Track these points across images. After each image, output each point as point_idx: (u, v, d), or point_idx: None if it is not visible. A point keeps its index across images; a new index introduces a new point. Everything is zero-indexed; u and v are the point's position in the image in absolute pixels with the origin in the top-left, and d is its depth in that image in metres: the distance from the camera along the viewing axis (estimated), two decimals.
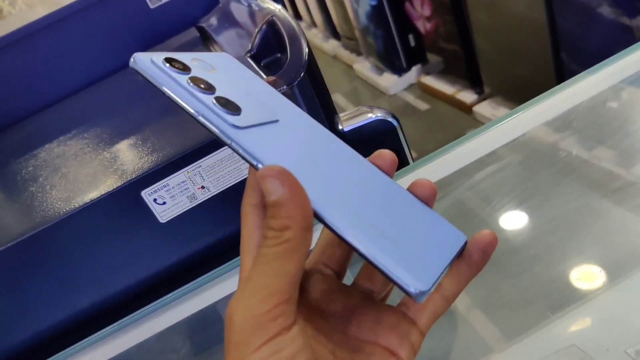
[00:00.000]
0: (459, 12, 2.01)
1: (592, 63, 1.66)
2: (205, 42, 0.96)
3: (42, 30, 0.98)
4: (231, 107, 0.27)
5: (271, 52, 0.70)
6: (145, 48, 1.03)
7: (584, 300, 0.46)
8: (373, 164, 0.30)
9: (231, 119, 0.26)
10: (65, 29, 0.99)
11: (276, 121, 0.29)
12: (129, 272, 0.63)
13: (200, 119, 0.26)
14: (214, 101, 0.26)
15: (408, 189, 0.29)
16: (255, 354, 0.23)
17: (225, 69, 0.30)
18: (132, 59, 0.27)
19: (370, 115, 0.63)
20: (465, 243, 0.28)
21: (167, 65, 0.27)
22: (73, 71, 1.03)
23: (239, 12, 0.91)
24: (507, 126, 0.64)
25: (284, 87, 0.57)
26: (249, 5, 0.86)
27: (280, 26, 0.66)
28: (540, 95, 0.67)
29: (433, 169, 0.60)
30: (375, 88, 2.63)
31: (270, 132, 0.28)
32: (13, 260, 0.58)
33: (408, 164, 0.64)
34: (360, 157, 0.30)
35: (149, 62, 0.27)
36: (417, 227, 0.27)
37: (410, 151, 0.66)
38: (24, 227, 0.59)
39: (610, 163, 0.58)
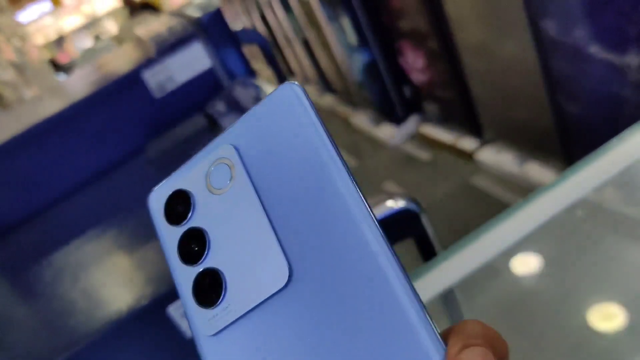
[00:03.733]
0: (452, 60, 2.04)
1: (588, 103, 1.68)
2: (212, 128, 0.97)
3: (52, 127, 0.99)
4: (209, 294, 0.21)
5: None
6: (154, 136, 1.03)
7: None
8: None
9: (202, 320, 0.21)
10: (75, 124, 1.00)
11: (283, 288, 0.21)
12: None
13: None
14: (193, 285, 0.22)
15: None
16: None
17: (250, 167, 0.23)
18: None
19: (391, 204, 0.63)
20: None
21: (164, 214, 0.23)
22: (82, 165, 1.03)
23: (246, 97, 0.92)
24: (555, 193, 0.61)
25: None
26: (256, 91, 0.87)
27: None
28: (589, 156, 0.65)
29: (466, 259, 0.58)
30: (374, 140, 2.65)
31: (251, 329, 0.21)
32: None
33: (434, 251, 0.63)
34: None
35: (154, 203, 0.24)
36: None
37: (435, 236, 0.65)
38: (51, 350, 0.57)
39: None
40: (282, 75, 1.35)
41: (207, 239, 0.22)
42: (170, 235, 0.23)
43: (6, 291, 0.76)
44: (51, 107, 1.06)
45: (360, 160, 2.62)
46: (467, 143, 2.20)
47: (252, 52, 3.16)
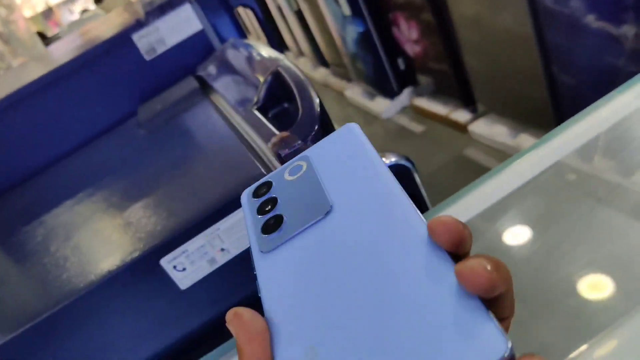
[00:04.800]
0: (446, 32, 2.02)
1: (583, 74, 1.67)
2: (204, 90, 0.95)
3: (40, 90, 0.97)
4: (272, 227, 0.29)
5: (278, 102, 0.69)
6: (144, 100, 1.02)
7: (614, 328, 0.45)
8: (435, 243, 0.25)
9: (261, 242, 0.29)
10: (62, 88, 0.98)
11: (324, 216, 0.28)
12: (151, 341, 0.61)
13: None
14: (261, 224, 0.30)
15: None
16: None
17: (326, 154, 0.32)
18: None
19: (383, 159, 0.62)
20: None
21: (252, 193, 0.32)
22: (74, 128, 1.01)
23: (238, 60, 0.91)
24: (533, 157, 0.62)
25: (299, 142, 0.56)
26: (249, 54, 0.86)
27: (287, 77, 0.65)
28: (568, 121, 0.65)
29: (456, 212, 0.58)
30: (368, 113, 2.64)
31: (300, 246, 0.28)
32: (35, 338, 0.56)
33: (426, 207, 0.63)
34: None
35: (244, 196, 0.33)
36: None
37: (425, 193, 0.64)
38: (42, 305, 0.57)
39: None
40: (273, 40, 1.33)
41: (278, 201, 0.31)
42: (252, 205, 0.32)
43: None
44: (37, 71, 1.04)
45: None
46: (461, 115, 2.19)
47: (244, 17, 3.12)
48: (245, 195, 0.33)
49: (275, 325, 0.25)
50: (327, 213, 0.28)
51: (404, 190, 0.27)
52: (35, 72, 1.06)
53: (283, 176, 0.32)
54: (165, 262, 0.57)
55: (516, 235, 0.58)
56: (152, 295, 0.58)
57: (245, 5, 1.09)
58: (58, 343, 0.57)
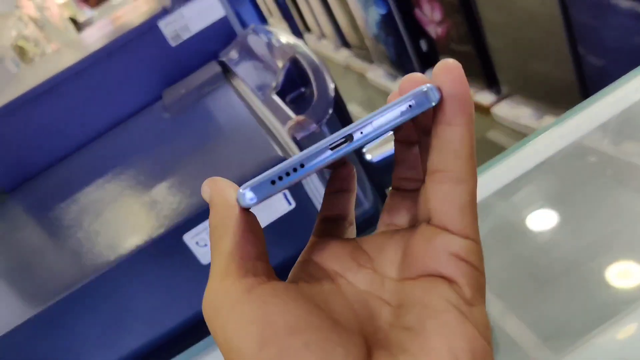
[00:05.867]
0: (470, 13, 2.00)
1: (610, 55, 1.64)
2: (226, 75, 0.99)
3: (72, 77, 1.02)
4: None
5: (295, 87, 0.72)
6: (170, 84, 1.06)
7: (632, 310, 0.46)
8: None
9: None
10: (93, 74, 1.03)
11: None
12: (174, 312, 0.65)
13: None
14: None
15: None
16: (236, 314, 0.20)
17: None
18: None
19: None
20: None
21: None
22: (102, 113, 1.06)
23: (258, 45, 0.94)
24: (552, 135, 0.62)
25: (313, 125, 0.59)
26: (269, 40, 0.89)
27: (304, 62, 0.68)
28: (588, 100, 0.65)
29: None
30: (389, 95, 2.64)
31: None
32: (68, 307, 0.61)
33: None
34: None
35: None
36: None
37: None
38: (75, 276, 0.62)
39: None
40: (296, 26, 1.35)
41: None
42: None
43: (36, 226, 0.82)
44: (70, 58, 1.09)
45: None
46: (484, 97, 2.18)
47: (267, 5, 3.12)
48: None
49: None
50: None
51: None
52: (69, 58, 1.11)
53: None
54: (188, 238, 0.61)
55: (532, 213, 0.60)
56: (176, 269, 0.62)
57: None
58: (89, 310, 0.62)
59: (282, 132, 0.65)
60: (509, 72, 2.06)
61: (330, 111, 0.59)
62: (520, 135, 1.97)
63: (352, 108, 2.67)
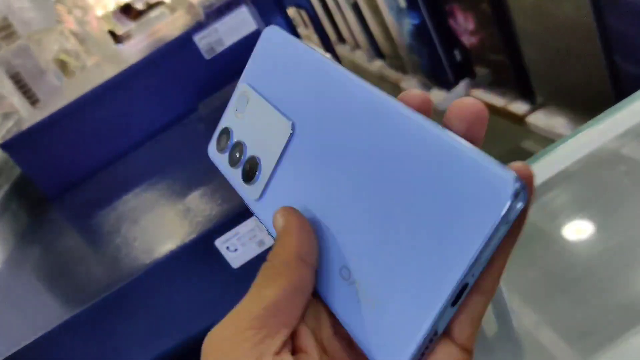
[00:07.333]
0: (504, 22, 1.99)
1: None
2: None
3: (111, 89, 1.07)
4: (251, 173, 0.28)
5: None
6: (204, 96, 1.10)
7: None
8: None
9: (249, 191, 0.28)
10: (132, 86, 1.08)
11: (291, 134, 0.26)
12: (206, 315, 0.68)
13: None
14: (240, 175, 0.29)
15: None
16: None
17: (256, 99, 0.29)
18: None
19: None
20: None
21: (216, 147, 0.31)
22: (141, 123, 1.11)
23: None
24: (577, 142, 0.63)
25: None
26: None
27: None
28: (613, 107, 0.65)
29: None
30: None
31: (286, 175, 0.27)
32: (107, 309, 0.64)
33: None
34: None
35: (210, 150, 0.32)
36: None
37: None
38: (114, 278, 0.65)
39: None
40: (327, 39, 1.38)
41: (243, 144, 0.29)
42: (223, 160, 0.31)
43: (76, 232, 0.86)
44: (110, 71, 1.15)
45: None
46: (519, 107, 2.15)
47: (299, 18, 3.16)
48: (211, 153, 0.32)
49: None
50: (292, 132, 0.26)
51: (352, 72, 0.25)
52: (108, 71, 1.16)
53: (235, 116, 0.30)
54: (220, 243, 0.63)
55: (561, 219, 0.60)
56: (208, 273, 0.65)
57: (298, 6, 1.15)
58: (127, 312, 0.65)
59: None
60: (543, 81, 2.04)
61: None
62: None
63: None
